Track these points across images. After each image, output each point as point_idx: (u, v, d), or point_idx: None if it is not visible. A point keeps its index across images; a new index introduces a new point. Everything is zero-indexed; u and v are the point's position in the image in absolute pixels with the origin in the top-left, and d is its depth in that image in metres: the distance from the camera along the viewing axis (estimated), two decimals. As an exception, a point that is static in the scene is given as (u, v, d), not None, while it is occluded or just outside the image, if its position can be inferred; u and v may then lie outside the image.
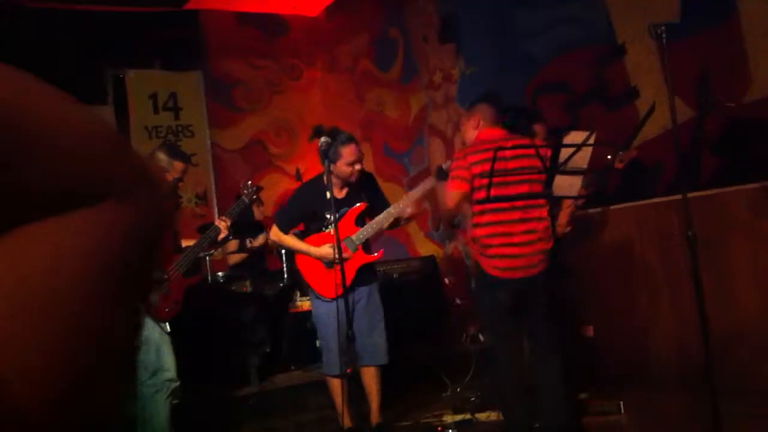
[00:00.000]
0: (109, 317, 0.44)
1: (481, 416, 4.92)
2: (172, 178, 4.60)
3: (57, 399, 0.39)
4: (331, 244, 4.50)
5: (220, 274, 6.49)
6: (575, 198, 4.73)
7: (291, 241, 4.89)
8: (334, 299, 4.51)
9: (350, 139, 4.70)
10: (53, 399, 0.39)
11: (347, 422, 4.75)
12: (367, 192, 4.89)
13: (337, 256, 4.36)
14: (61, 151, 0.42)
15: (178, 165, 4.62)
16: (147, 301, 0.51)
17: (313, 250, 4.74)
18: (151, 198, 0.47)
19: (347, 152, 4.64)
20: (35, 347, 0.39)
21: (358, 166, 4.69)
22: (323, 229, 4.73)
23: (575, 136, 4.52)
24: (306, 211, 4.88)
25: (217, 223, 4.73)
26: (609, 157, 5.04)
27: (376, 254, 4.88)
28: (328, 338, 4.74)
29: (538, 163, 4.14)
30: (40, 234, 0.41)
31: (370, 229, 4.77)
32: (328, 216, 4.63)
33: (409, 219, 5.02)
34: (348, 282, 4.54)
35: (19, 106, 0.40)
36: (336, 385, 4.68)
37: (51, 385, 0.39)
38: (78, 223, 0.42)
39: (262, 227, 6.94)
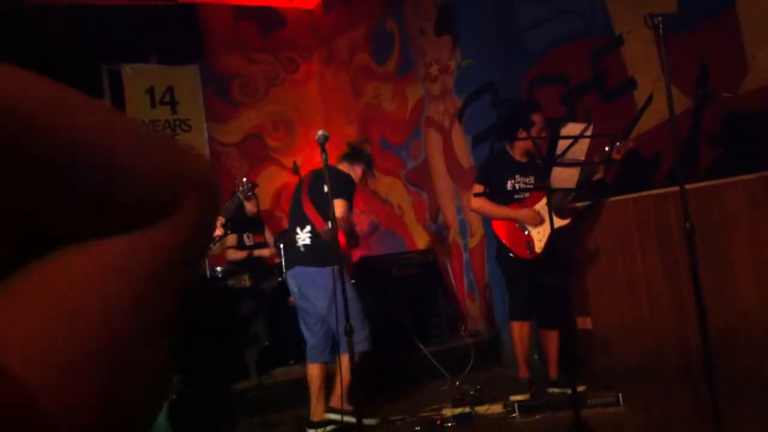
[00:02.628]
0: (153, 343, 0.42)
1: (481, 409, 4.92)
2: None
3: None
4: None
5: (218, 269, 6.49)
6: (572, 190, 4.74)
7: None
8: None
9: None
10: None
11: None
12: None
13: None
14: (115, 164, 0.40)
15: None
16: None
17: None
18: (209, 204, 0.46)
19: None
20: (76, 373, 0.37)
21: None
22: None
23: (572, 128, 4.53)
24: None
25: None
26: (606, 148, 5.05)
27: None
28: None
29: None
30: (93, 258, 0.40)
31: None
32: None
33: None
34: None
35: (57, 118, 0.38)
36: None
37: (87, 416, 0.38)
38: (137, 244, 0.41)
39: (260, 223, 6.94)
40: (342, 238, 4.80)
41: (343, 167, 5.12)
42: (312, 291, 4.93)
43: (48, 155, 0.37)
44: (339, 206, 4.62)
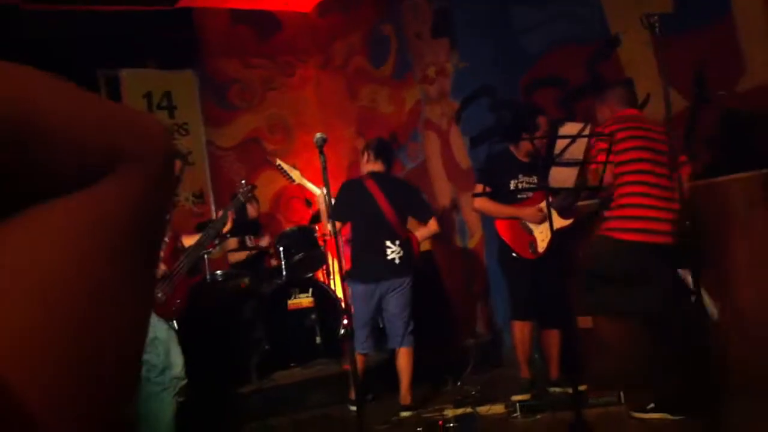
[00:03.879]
0: (123, 293, 0.42)
1: (482, 409, 4.92)
2: None
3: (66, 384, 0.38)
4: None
5: (218, 272, 6.50)
6: (572, 190, 4.74)
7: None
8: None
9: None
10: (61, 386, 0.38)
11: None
12: None
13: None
14: (61, 124, 0.40)
15: (176, 163, 4.62)
16: (155, 275, 0.50)
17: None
18: (161, 162, 0.46)
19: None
20: (43, 335, 0.38)
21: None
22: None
23: (570, 128, 4.54)
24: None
25: (225, 213, 4.77)
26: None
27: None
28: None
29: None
30: (47, 217, 0.39)
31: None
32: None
33: None
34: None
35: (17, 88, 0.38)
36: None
37: (59, 375, 0.38)
38: (85, 199, 0.41)
39: (260, 226, 6.96)
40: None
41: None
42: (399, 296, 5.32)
43: None
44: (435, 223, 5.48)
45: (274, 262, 6.79)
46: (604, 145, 4.40)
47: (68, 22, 7.23)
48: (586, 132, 4.48)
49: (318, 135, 4.46)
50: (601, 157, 4.39)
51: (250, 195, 5.66)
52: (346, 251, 5.25)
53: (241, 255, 6.75)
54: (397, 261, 5.26)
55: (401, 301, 5.31)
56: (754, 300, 4.69)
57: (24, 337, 0.37)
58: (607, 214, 4.68)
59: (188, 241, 4.79)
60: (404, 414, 5.13)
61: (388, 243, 5.25)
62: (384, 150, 5.52)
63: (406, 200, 5.41)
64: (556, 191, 4.69)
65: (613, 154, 4.41)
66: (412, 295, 5.36)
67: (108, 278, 0.41)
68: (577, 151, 4.52)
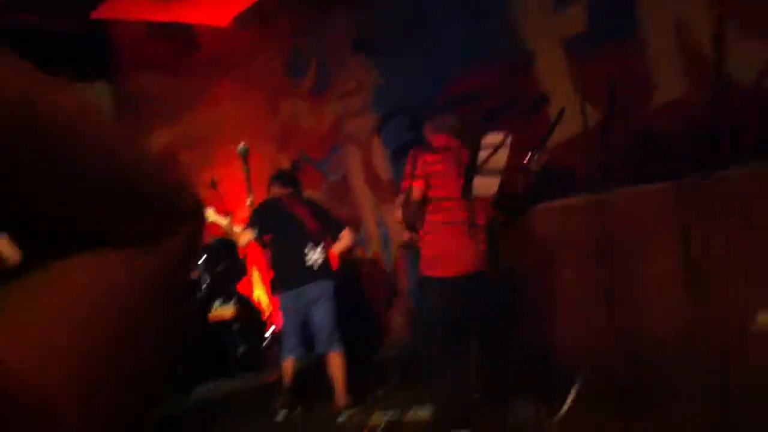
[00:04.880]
0: (145, 350, 0.46)
1: (408, 416, 4.96)
2: None
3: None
4: None
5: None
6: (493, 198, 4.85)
7: None
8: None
9: None
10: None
11: None
12: None
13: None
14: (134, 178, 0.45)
15: None
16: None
17: None
18: (199, 233, 0.50)
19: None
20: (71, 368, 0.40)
21: None
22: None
23: (492, 138, 4.66)
24: None
25: None
26: (525, 161, 5.19)
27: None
28: None
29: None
30: (98, 267, 0.44)
31: None
32: None
33: None
34: None
35: (77, 127, 0.42)
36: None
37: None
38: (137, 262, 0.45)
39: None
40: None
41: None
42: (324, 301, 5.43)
43: (73, 162, 0.41)
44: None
45: (194, 275, 6.68)
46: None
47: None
48: (507, 142, 4.61)
49: (241, 145, 4.50)
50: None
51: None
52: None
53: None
54: (315, 267, 5.41)
55: (326, 308, 5.41)
56: (669, 309, 4.85)
57: (68, 357, 0.40)
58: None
59: None
60: (344, 416, 5.21)
61: (306, 250, 5.42)
62: (287, 176, 5.84)
63: (319, 214, 5.65)
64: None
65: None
66: (335, 302, 5.47)
67: (147, 318, 0.46)
68: (499, 161, 4.64)
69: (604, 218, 4.62)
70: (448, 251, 4.50)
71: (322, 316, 5.40)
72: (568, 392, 4.44)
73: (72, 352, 0.40)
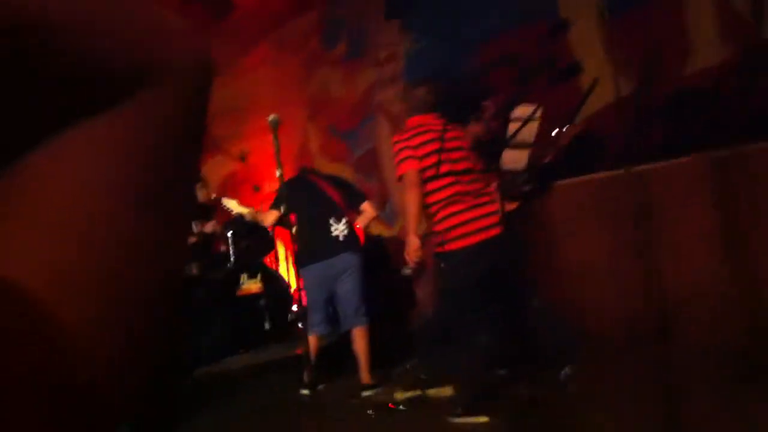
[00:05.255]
0: (154, 221, 0.40)
1: (432, 392, 4.92)
2: None
3: (99, 317, 0.37)
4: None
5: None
6: (522, 172, 4.76)
7: None
8: None
9: None
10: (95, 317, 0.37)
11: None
12: None
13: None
14: (93, 32, 0.37)
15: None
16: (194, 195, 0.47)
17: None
18: (199, 73, 0.43)
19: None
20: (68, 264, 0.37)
21: None
22: None
23: (522, 111, 4.55)
24: None
25: None
26: (554, 133, 5.08)
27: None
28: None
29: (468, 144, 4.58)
30: (74, 143, 0.38)
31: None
32: None
33: None
34: None
35: None
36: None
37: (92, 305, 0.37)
38: (109, 123, 0.38)
39: (209, 210, 6.85)
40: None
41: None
42: (351, 274, 5.40)
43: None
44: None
45: (222, 248, 6.71)
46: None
47: None
48: (539, 114, 4.49)
49: (272, 117, 4.44)
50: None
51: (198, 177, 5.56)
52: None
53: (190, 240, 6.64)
54: (341, 238, 5.38)
55: (352, 282, 5.38)
56: (710, 276, 4.74)
57: (63, 266, 0.36)
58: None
59: None
60: (366, 393, 5.18)
61: (331, 221, 5.40)
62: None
63: (342, 188, 5.64)
64: (503, 174, 4.69)
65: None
66: (362, 276, 5.43)
67: (135, 213, 0.39)
68: (529, 133, 4.53)
69: (637, 191, 4.52)
70: (468, 220, 4.42)
71: (348, 289, 5.36)
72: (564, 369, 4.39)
73: (81, 265, 0.37)
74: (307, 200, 5.42)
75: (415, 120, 4.62)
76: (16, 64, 0.35)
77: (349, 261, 5.38)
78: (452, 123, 4.67)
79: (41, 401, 0.33)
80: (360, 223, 5.59)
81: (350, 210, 5.56)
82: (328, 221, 5.40)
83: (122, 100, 0.39)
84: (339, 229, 5.40)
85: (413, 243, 4.44)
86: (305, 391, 5.10)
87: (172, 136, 0.41)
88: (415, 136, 4.48)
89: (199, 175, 5.58)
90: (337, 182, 5.70)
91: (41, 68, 0.36)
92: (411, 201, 4.42)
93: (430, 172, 4.41)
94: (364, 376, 5.28)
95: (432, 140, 4.45)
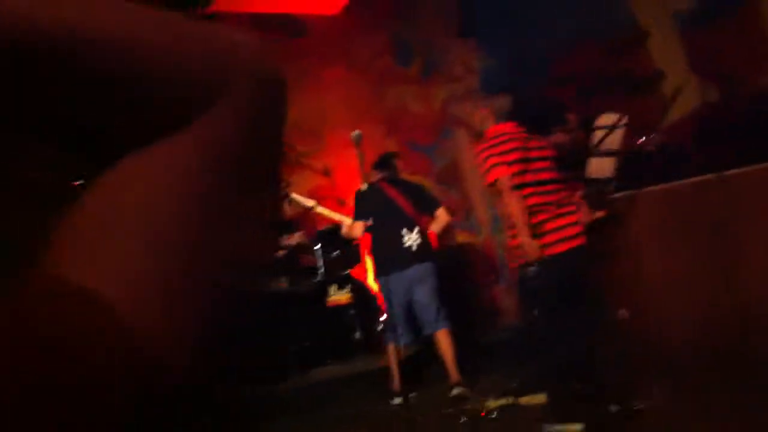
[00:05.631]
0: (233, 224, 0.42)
1: (524, 400, 4.96)
2: None
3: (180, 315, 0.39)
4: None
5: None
6: (607, 181, 4.80)
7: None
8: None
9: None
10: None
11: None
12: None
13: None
14: (158, 59, 0.39)
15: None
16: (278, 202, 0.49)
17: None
18: (264, 88, 0.44)
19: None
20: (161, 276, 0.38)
21: None
22: None
23: (607, 119, 4.60)
24: None
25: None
26: (640, 141, 5.08)
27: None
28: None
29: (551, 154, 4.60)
30: (152, 157, 0.39)
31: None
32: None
33: None
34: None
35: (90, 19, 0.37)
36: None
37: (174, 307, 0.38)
38: (187, 140, 0.40)
39: (293, 225, 7.02)
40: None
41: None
42: (426, 281, 5.43)
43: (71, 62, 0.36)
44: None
45: (307, 261, 6.86)
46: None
47: None
48: (623, 122, 4.53)
49: (355, 132, 4.59)
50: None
51: (284, 193, 5.73)
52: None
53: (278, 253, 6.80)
54: (414, 248, 5.45)
55: (428, 287, 5.44)
56: None
57: (140, 274, 0.37)
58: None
59: None
60: (456, 391, 5.25)
61: (403, 232, 5.47)
62: (382, 161, 5.90)
63: (415, 195, 5.68)
64: (589, 183, 4.73)
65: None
66: (438, 282, 5.50)
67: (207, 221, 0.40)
68: (614, 141, 4.58)
69: (720, 199, 4.51)
70: (551, 230, 4.46)
71: (424, 295, 5.42)
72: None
73: (164, 273, 0.38)
74: (378, 210, 5.50)
75: (498, 128, 4.67)
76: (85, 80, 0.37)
77: (423, 270, 5.45)
78: (534, 133, 4.72)
79: (128, 404, 0.34)
80: (434, 229, 5.64)
81: (423, 215, 5.62)
82: (400, 232, 5.47)
83: (198, 113, 0.40)
84: (412, 239, 5.46)
85: (529, 244, 4.44)
86: (397, 401, 5.18)
87: (249, 146, 0.42)
88: (499, 144, 4.52)
89: (285, 190, 5.76)
90: (410, 188, 5.76)
91: (124, 84, 0.38)
92: (513, 204, 4.44)
93: (515, 180, 4.44)
94: (453, 374, 5.35)
95: (516, 149, 4.49)
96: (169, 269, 0.38)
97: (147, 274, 0.37)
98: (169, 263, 0.38)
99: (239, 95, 0.41)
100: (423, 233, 5.52)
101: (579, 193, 4.73)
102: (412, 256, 5.43)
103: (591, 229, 4.81)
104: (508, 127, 4.67)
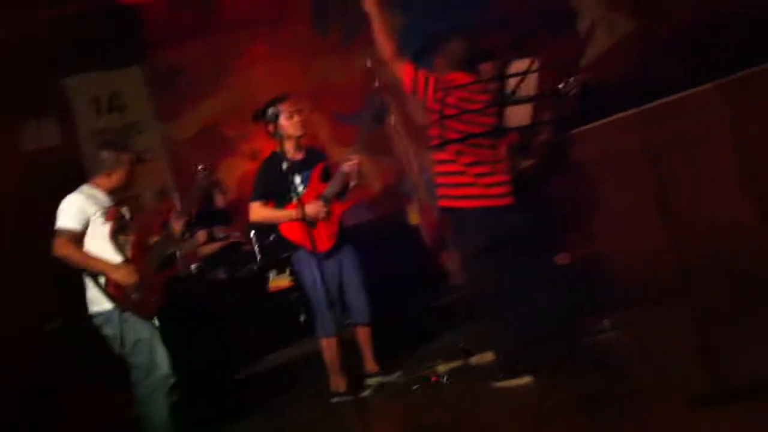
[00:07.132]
0: None
1: (474, 360, 4.90)
2: (124, 176, 4.43)
3: None
4: (312, 202, 4.89)
5: (192, 266, 6.41)
6: (528, 127, 4.69)
7: (271, 213, 5.08)
8: (328, 250, 4.94)
9: (283, 96, 5.08)
10: None
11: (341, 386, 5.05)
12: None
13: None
14: None
15: (126, 156, 4.46)
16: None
17: (294, 212, 4.80)
18: None
19: (284, 106, 4.95)
20: None
21: (298, 117, 5.07)
22: (293, 195, 4.75)
23: (518, 66, 4.47)
24: (272, 185, 5.01)
25: (172, 222, 4.58)
26: (561, 85, 4.99)
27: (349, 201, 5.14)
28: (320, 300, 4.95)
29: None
30: None
31: (336, 181, 4.97)
32: (296, 181, 4.92)
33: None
34: (335, 237, 4.98)
35: None
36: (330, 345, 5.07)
37: None
38: None
39: (229, 215, 6.86)
40: None
41: None
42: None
43: None
44: None
45: (248, 248, 6.71)
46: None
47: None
48: (535, 66, 4.40)
49: (270, 110, 4.48)
50: None
51: (212, 181, 5.54)
52: None
53: (213, 247, 6.60)
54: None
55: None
56: (738, 206, 4.64)
57: None
58: None
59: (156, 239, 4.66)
60: (372, 381, 5.11)
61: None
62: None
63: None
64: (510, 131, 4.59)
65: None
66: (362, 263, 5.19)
67: None
68: (529, 87, 4.45)
69: (653, 130, 4.46)
70: (477, 184, 4.33)
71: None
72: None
73: None
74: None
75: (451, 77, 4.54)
76: None
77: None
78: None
79: None
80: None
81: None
82: None
83: None
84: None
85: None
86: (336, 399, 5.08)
87: None
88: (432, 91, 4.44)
89: (217, 180, 5.58)
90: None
91: None
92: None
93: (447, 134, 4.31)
94: (371, 365, 5.22)
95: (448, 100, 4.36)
96: None
97: None
98: None
99: None
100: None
101: (503, 146, 4.61)
102: None
103: (520, 178, 4.71)
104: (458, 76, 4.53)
